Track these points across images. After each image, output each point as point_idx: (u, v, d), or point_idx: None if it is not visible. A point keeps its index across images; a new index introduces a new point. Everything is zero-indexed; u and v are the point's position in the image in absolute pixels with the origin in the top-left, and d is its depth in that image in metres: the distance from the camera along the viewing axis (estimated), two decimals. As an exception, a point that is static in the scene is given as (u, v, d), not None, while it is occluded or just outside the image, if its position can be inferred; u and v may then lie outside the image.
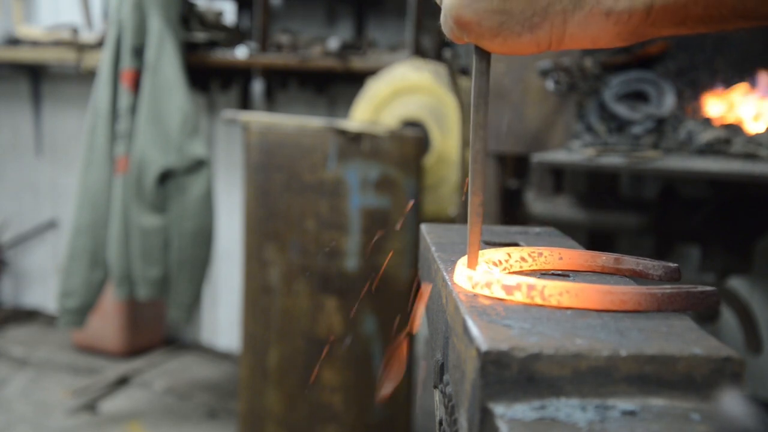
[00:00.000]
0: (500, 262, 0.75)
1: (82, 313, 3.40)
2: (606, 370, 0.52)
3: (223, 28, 3.70)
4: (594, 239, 2.62)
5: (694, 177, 2.25)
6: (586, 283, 0.64)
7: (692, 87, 2.31)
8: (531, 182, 2.40)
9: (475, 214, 0.69)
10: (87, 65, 3.78)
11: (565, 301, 0.62)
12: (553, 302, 0.62)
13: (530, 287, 0.63)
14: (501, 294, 0.64)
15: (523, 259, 0.77)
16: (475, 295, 0.65)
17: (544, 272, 0.77)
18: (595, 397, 0.52)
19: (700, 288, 0.65)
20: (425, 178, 2.85)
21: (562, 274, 0.76)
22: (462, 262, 0.71)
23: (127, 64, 3.30)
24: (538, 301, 0.63)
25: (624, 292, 0.62)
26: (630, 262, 0.77)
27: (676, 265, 0.74)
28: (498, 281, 0.64)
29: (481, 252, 0.72)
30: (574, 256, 0.79)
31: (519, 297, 0.63)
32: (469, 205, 0.70)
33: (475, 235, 0.69)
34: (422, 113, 2.90)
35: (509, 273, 0.73)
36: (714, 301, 0.65)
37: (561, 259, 0.79)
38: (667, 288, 0.64)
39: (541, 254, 0.78)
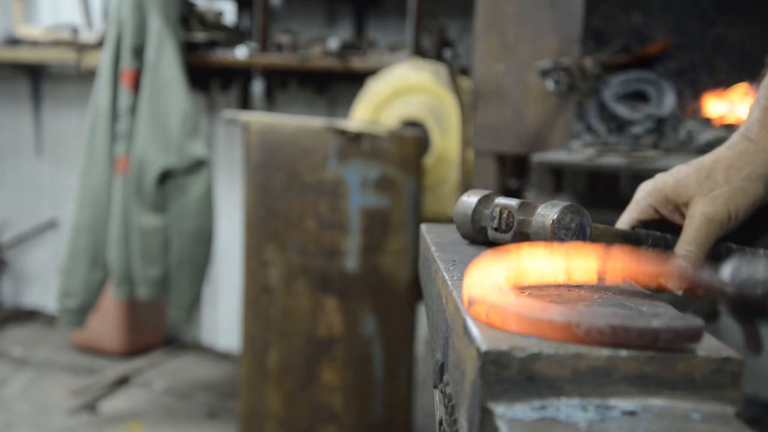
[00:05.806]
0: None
1: (82, 313, 3.40)
2: (606, 370, 0.52)
3: (223, 28, 3.70)
4: (594, 239, 2.61)
5: (694, 177, 2.24)
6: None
7: (692, 87, 2.31)
8: (531, 182, 2.40)
9: None
10: (87, 65, 3.78)
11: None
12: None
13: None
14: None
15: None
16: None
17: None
18: (596, 397, 0.52)
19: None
20: (425, 178, 2.85)
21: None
22: (468, 273, 0.63)
23: (127, 64, 3.30)
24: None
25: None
26: None
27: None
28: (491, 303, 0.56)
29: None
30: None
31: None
32: None
33: None
34: (422, 113, 2.90)
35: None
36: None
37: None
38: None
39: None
